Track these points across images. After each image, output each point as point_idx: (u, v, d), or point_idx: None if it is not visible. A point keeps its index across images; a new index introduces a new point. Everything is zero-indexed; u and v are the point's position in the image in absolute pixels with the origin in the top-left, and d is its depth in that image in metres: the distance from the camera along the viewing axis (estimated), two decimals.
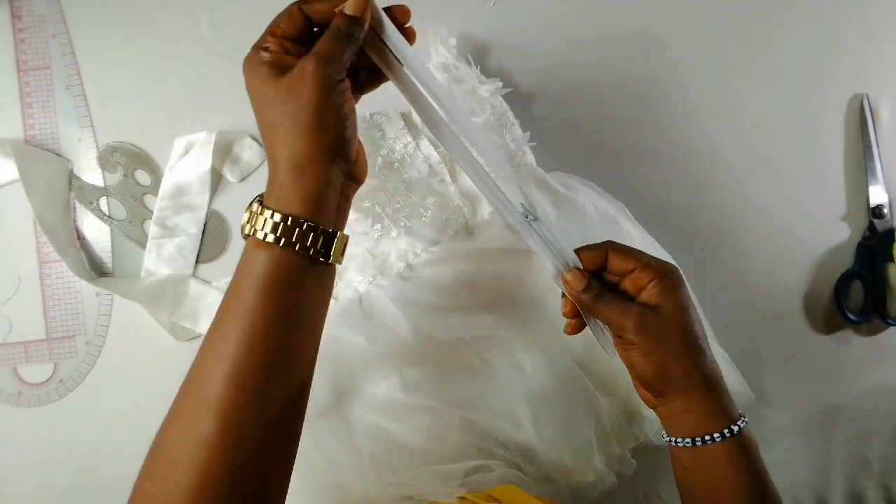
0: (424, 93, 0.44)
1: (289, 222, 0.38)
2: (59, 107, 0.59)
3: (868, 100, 0.65)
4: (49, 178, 0.58)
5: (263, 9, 0.60)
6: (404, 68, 0.43)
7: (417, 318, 0.56)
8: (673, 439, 0.46)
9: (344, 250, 0.41)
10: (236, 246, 0.61)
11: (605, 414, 0.57)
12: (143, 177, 0.60)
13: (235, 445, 0.36)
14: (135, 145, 0.60)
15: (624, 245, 0.47)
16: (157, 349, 0.59)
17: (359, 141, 0.43)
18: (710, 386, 0.44)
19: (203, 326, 0.59)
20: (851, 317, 0.65)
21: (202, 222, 0.60)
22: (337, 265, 0.41)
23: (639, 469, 0.59)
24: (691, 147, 0.65)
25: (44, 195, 0.58)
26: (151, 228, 0.59)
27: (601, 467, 0.56)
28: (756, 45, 0.65)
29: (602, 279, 0.47)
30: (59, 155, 0.59)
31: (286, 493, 0.40)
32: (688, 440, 0.44)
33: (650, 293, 0.45)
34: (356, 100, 0.44)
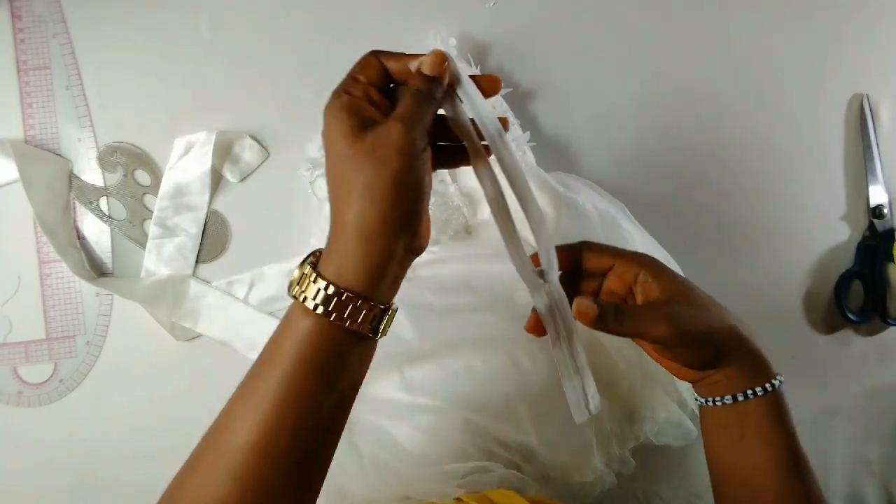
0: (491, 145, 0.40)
1: (343, 297, 0.35)
2: (59, 107, 0.59)
3: (868, 100, 0.65)
4: (49, 178, 0.58)
5: (263, 9, 0.61)
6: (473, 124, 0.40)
7: (418, 318, 0.56)
8: (710, 400, 0.44)
9: (391, 324, 0.38)
10: (236, 246, 0.61)
11: (605, 414, 0.57)
12: (143, 177, 0.60)
13: None
14: (135, 145, 0.60)
15: (597, 243, 0.45)
16: (157, 349, 0.59)
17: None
18: (751, 345, 0.43)
19: (203, 326, 0.60)
20: (851, 317, 0.65)
21: (202, 222, 0.60)
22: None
23: (639, 469, 0.59)
24: (691, 147, 0.65)
25: (44, 195, 0.58)
26: (151, 228, 0.59)
27: (601, 467, 0.56)
28: (756, 45, 0.65)
29: (578, 286, 0.44)
30: (59, 155, 0.59)
31: None
32: (728, 397, 0.43)
33: (647, 285, 0.43)
34: (434, 168, 0.40)
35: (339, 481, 0.54)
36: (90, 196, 0.59)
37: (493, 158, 0.40)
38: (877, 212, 0.65)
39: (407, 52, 0.38)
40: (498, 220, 0.40)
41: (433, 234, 0.58)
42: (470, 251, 0.57)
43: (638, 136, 0.64)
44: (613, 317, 0.41)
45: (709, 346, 0.42)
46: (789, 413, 0.43)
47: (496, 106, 0.59)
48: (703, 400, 0.44)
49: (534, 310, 0.42)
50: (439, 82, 0.38)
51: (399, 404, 0.54)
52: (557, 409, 0.56)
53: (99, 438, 0.59)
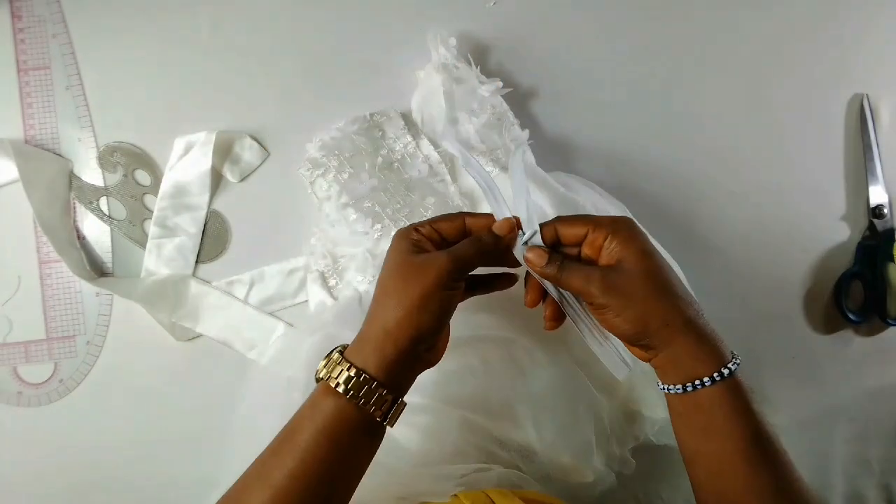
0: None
1: (361, 378, 0.41)
2: (58, 107, 0.59)
3: (868, 100, 0.65)
4: (49, 178, 0.58)
5: (263, 9, 0.61)
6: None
7: None
8: (665, 387, 0.44)
9: (399, 415, 0.44)
10: (236, 246, 0.61)
11: (604, 414, 0.57)
12: (143, 177, 0.60)
13: None
14: (135, 145, 0.60)
15: (571, 215, 0.47)
16: (157, 349, 0.59)
17: (448, 328, 0.47)
18: (691, 329, 0.42)
19: (203, 326, 0.60)
20: (851, 317, 0.65)
21: (202, 222, 0.60)
22: (388, 427, 0.44)
23: (639, 469, 0.59)
24: (691, 147, 0.65)
25: (44, 195, 0.58)
26: (151, 228, 0.59)
27: (601, 467, 0.56)
28: (756, 45, 0.65)
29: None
30: (59, 155, 0.59)
31: None
32: (678, 386, 0.43)
33: (609, 251, 0.44)
34: (463, 299, 0.48)
35: None
36: (90, 196, 0.59)
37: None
38: (877, 212, 0.65)
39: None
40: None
41: None
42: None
43: (638, 136, 0.64)
44: (557, 267, 0.44)
45: (634, 318, 0.42)
46: (749, 399, 0.43)
47: (496, 105, 0.59)
48: (661, 386, 0.45)
49: (527, 282, 0.48)
50: (502, 241, 0.45)
51: None
52: (557, 409, 0.56)
53: (99, 438, 0.59)
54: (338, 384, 0.41)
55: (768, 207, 0.66)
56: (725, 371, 0.42)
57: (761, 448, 0.42)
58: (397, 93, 0.61)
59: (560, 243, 0.46)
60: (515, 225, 0.46)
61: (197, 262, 0.60)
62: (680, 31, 0.64)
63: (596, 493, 0.57)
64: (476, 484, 0.52)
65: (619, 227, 0.44)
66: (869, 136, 0.65)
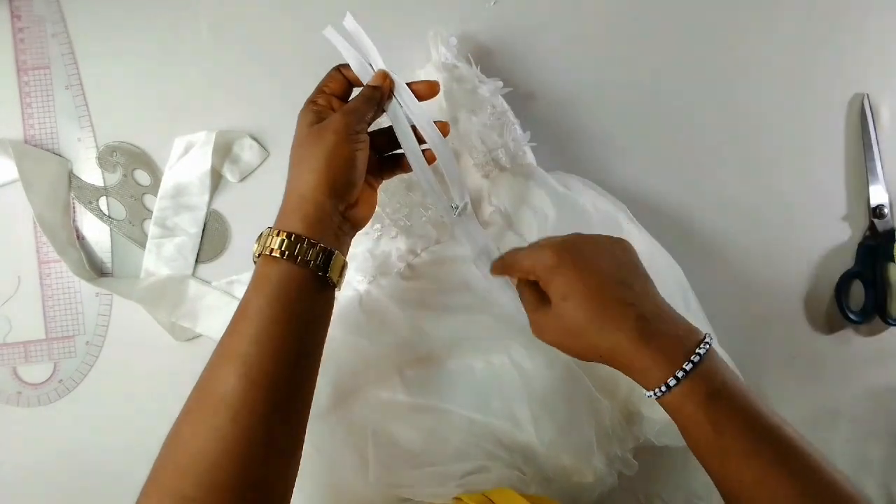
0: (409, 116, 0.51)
1: (292, 238, 0.43)
2: (58, 107, 0.59)
3: (868, 100, 0.65)
4: (49, 178, 0.58)
5: (263, 9, 0.61)
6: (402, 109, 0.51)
7: (418, 318, 0.56)
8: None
9: (342, 273, 0.46)
10: (236, 246, 0.61)
11: (605, 414, 0.57)
12: (142, 177, 0.60)
13: (246, 436, 0.39)
14: (134, 145, 0.60)
15: (515, 254, 0.48)
16: (157, 349, 0.59)
17: (374, 194, 0.51)
18: (636, 345, 0.42)
19: (202, 326, 0.59)
20: (852, 317, 0.65)
21: (202, 222, 0.60)
22: (337, 291, 0.46)
23: (639, 469, 0.59)
24: (692, 147, 0.65)
25: (44, 195, 0.58)
26: (151, 228, 0.59)
27: (601, 468, 0.56)
28: (757, 44, 0.65)
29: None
30: (58, 155, 0.59)
31: (293, 486, 0.42)
32: (648, 393, 0.43)
33: (545, 289, 0.45)
34: (379, 181, 0.52)
35: (337, 481, 0.54)
36: (90, 196, 0.59)
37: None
38: (877, 212, 0.65)
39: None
40: (419, 175, 0.52)
41: (433, 233, 0.58)
42: (470, 251, 0.57)
43: (638, 136, 0.64)
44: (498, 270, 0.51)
45: (580, 355, 0.45)
46: (710, 395, 0.41)
47: (496, 105, 0.59)
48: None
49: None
50: (379, 89, 0.49)
51: (399, 405, 0.54)
52: (557, 409, 0.56)
53: (99, 438, 0.59)
54: (272, 250, 0.43)
55: (769, 207, 0.66)
56: (672, 381, 0.41)
57: (742, 439, 0.40)
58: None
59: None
60: (386, 73, 0.49)
61: (197, 262, 0.60)
62: (680, 31, 0.64)
63: (596, 493, 0.56)
64: (476, 484, 0.52)
65: (544, 262, 0.45)
66: (869, 136, 0.65)
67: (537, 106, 0.63)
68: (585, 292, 0.43)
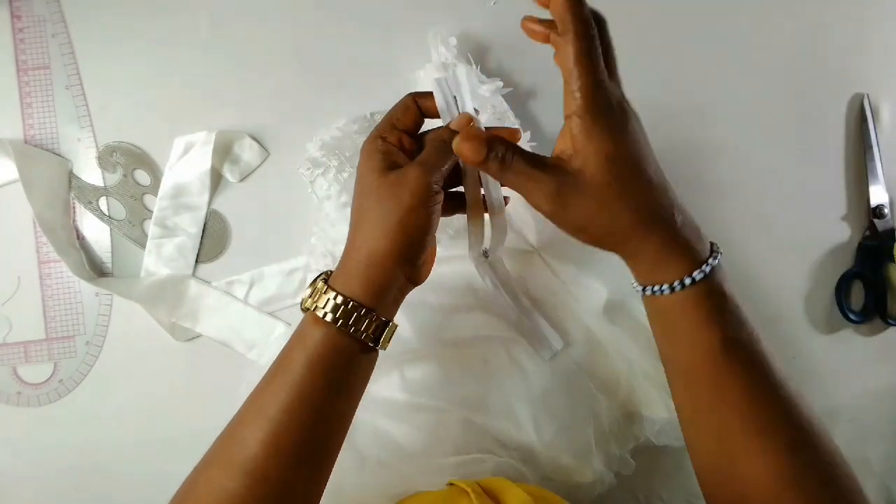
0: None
1: (349, 306, 0.40)
2: (58, 107, 0.59)
3: (868, 100, 0.65)
4: (49, 178, 0.58)
5: (263, 9, 0.61)
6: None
7: (418, 318, 0.56)
8: (633, 283, 0.41)
9: (390, 338, 0.43)
10: (236, 246, 0.60)
11: (604, 414, 0.57)
12: (142, 177, 0.60)
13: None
14: (134, 145, 0.60)
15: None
16: (157, 349, 0.59)
17: (436, 246, 0.47)
18: (657, 233, 0.39)
19: (202, 326, 0.59)
20: (852, 317, 0.65)
21: (202, 222, 0.60)
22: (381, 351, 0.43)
23: (639, 469, 0.59)
24: (691, 147, 0.65)
25: (44, 195, 0.58)
26: (151, 228, 0.59)
27: (600, 468, 0.56)
28: (756, 44, 0.65)
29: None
30: (58, 155, 0.59)
31: None
32: (638, 286, 0.41)
33: (564, 139, 0.39)
34: (448, 214, 0.47)
35: (336, 479, 0.53)
36: (90, 196, 0.59)
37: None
38: (877, 212, 0.65)
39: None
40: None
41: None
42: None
43: None
44: (499, 161, 0.39)
45: (594, 235, 0.39)
46: (718, 307, 0.39)
47: (496, 105, 0.59)
48: (632, 281, 0.42)
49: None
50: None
51: (399, 404, 0.54)
52: (557, 409, 0.56)
53: (99, 438, 0.59)
54: (325, 313, 0.40)
55: (768, 207, 0.66)
56: (688, 280, 0.38)
57: (730, 355, 0.39)
58: (397, 93, 0.61)
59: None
60: (472, 118, 0.43)
61: (197, 262, 0.60)
62: (681, 30, 0.64)
63: (595, 493, 0.57)
64: (470, 475, 0.52)
65: (587, 109, 0.38)
66: (869, 136, 0.65)
67: (537, 106, 0.63)
68: (623, 164, 0.38)
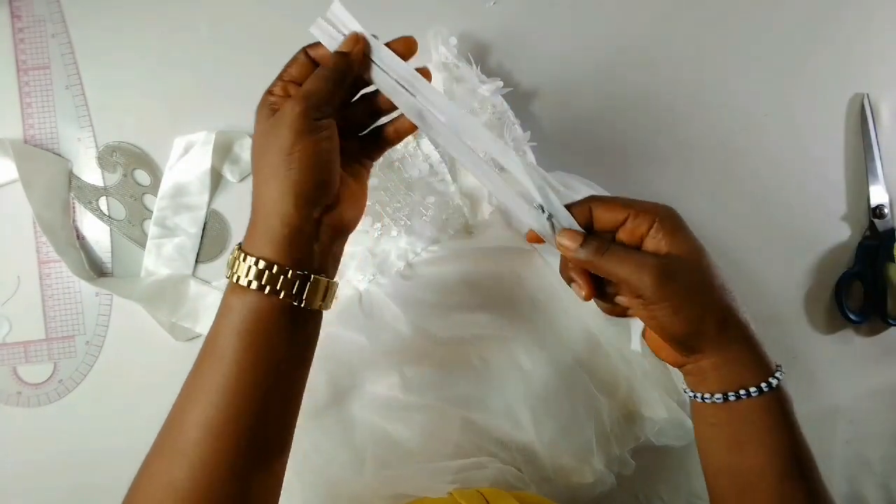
0: (428, 107, 0.42)
1: (259, 265, 0.37)
2: (58, 107, 0.59)
3: (868, 100, 0.65)
4: (49, 178, 0.58)
5: (262, 9, 0.61)
6: (405, 89, 0.42)
7: (417, 317, 0.56)
8: (700, 395, 0.41)
9: (326, 295, 0.39)
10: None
11: (605, 414, 0.57)
12: (142, 176, 0.60)
13: (205, 496, 0.36)
14: (134, 145, 0.60)
15: (607, 195, 0.42)
16: (156, 349, 0.59)
17: (362, 187, 0.42)
18: (746, 335, 0.40)
19: (203, 327, 0.59)
20: (852, 317, 0.65)
21: (202, 222, 0.60)
22: (325, 311, 0.40)
23: (639, 469, 0.59)
24: (691, 147, 0.65)
25: (43, 195, 0.58)
26: (151, 228, 0.59)
27: (601, 468, 0.56)
28: (757, 44, 0.65)
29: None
30: (58, 155, 0.59)
31: None
32: (718, 395, 0.39)
33: (655, 241, 0.39)
34: (368, 167, 0.44)
35: (334, 479, 0.54)
36: (90, 196, 0.59)
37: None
38: (877, 212, 0.65)
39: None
40: (427, 132, 0.43)
41: (434, 233, 0.58)
42: (470, 250, 0.57)
43: (638, 136, 0.64)
44: (594, 248, 0.39)
45: (692, 317, 0.38)
46: (791, 412, 0.40)
47: (496, 105, 0.59)
48: (692, 394, 0.42)
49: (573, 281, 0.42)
50: (346, 57, 0.40)
51: (398, 404, 0.54)
52: (557, 409, 0.56)
53: (98, 438, 0.59)
54: (238, 278, 0.37)
55: (768, 207, 0.66)
56: (773, 381, 0.39)
57: (798, 463, 0.40)
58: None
59: (592, 227, 0.41)
60: (361, 37, 0.40)
61: (197, 262, 0.60)
62: (682, 31, 0.64)
63: (596, 493, 0.56)
64: (471, 480, 0.52)
65: (663, 213, 0.39)
66: (869, 136, 0.65)
67: (537, 106, 0.63)
68: (710, 259, 0.40)
